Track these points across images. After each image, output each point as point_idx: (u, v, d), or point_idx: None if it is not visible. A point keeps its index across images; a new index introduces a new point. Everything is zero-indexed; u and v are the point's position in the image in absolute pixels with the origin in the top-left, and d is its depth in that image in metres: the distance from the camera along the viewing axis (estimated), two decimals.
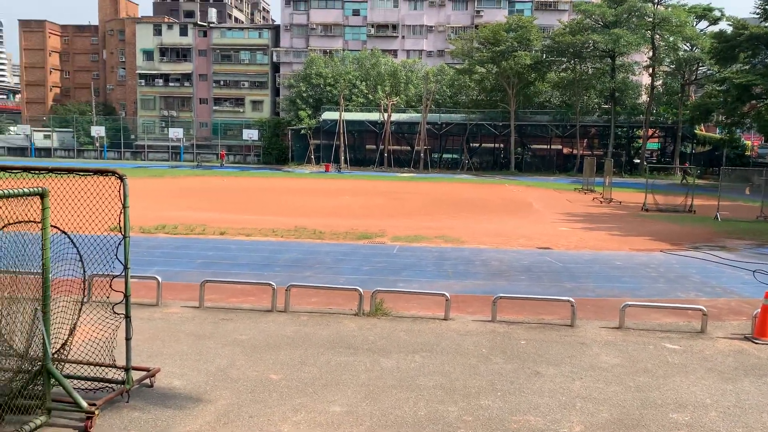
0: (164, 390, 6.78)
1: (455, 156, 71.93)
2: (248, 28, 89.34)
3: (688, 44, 62.17)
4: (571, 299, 10.04)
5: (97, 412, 5.80)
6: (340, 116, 64.89)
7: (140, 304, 9.82)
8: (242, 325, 9.36)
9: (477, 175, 59.86)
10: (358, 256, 15.80)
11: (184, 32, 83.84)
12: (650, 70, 64.37)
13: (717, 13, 61.83)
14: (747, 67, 52.58)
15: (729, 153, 65.65)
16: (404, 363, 7.86)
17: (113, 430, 5.83)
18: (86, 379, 6.52)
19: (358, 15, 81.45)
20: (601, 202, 33.93)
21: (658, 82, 65.92)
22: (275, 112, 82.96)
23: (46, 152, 79.97)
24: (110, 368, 6.61)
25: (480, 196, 36.47)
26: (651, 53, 63.36)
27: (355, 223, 21.96)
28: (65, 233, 6.27)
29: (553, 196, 38.02)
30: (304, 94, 71.60)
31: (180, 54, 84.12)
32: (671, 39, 61.33)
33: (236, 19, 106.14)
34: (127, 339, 6.44)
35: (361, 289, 10.21)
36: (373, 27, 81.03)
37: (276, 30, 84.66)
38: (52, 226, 5.92)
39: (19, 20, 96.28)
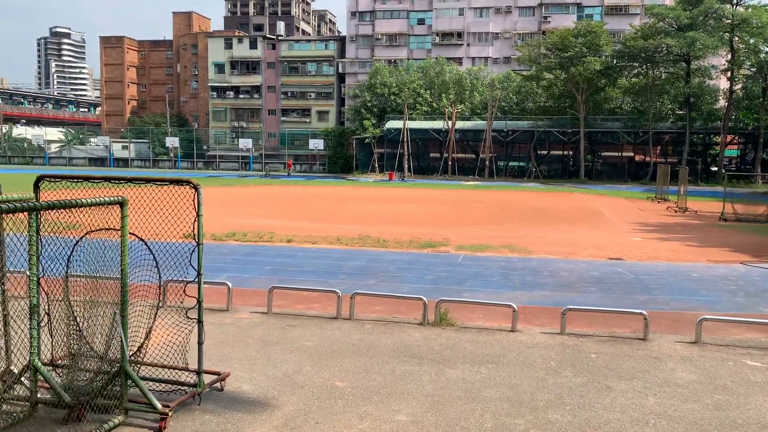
0: (234, 394, 6.94)
1: (522, 164, 70.91)
2: (315, 40, 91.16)
3: None
4: (643, 312, 9.68)
5: (170, 414, 6.00)
6: (404, 125, 65.14)
7: (211, 309, 10.10)
8: (308, 331, 9.49)
9: (544, 184, 58.76)
10: (422, 265, 15.77)
11: (253, 45, 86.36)
12: (729, 73, 61.57)
13: None
14: None
15: None
16: (470, 374, 7.77)
17: None
18: (160, 381, 6.75)
19: (423, 24, 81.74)
20: (675, 211, 32.66)
21: (738, 86, 62.97)
22: (340, 121, 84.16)
23: (124, 162, 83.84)
24: (182, 371, 6.83)
25: (548, 205, 35.77)
26: (729, 56, 60.65)
27: (418, 231, 21.95)
28: (142, 240, 6.54)
29: (625, 205, 36.87)
30: (369, 104, 72.32)
31: (250, 67, 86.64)
32: (752, 41, 58.55)
33: (303, 32, 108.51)
34: (200, 343, 6.64)
35: (425, 299, 10.17)
36: (437, 35, 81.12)
37: (342, 41, 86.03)
38: (129, 233, 6.18)
39: (100, 37, 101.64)
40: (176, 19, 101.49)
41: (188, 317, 6.69)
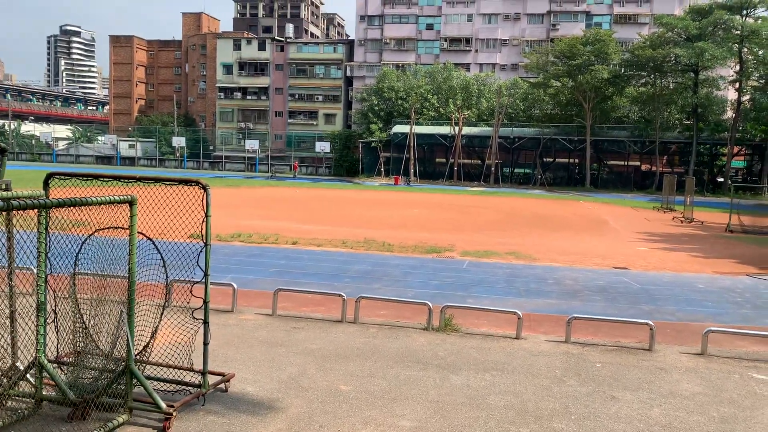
0: (238, 395, 6.93)
1: (527, 171, 70.84)
2: (323, 43, 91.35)
3: None
4: (649, 322, 9.64)
5: (175, 414, 5.99)
6: (411, 129, 65.18)
7: (216, 310, 10.10)
8: (313, 334, 9.48)
9: (550, 191, 58.67)
10: (427, 270, 15.75)
11: (262, 47, 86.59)
12: (737, 84, 61.44)
13: None
14: None
15: None
16: (474, 381, 7.74)
17: None
18: (165, 381, 6.75)
19: (432, 29, 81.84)
20: (681, 221, 32.56)
21: (746, 98, 62.79)
22: (347, 125, 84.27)
23: (131, 161, 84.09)
24: (187, 372, 6.83)
25: (553, 213, 35.70)
26: (738, 67, 60.52)
27: (423, 236, 21.93)
28: (150, 239, 6.54)
29: (631, 214, 36.78)
30: (376, 108, 72.43)
31: (258, 68, 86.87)
32: (761, 53, 58.43)
33: (312, 34, 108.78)
34: (205, 344, 6.64)
35: (430, 304, 10.15)
36: (446, 41, 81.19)
37: (350, 45, 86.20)
38: (138, 232, 6.19)
39: (110, 36, 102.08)
40: (186, 20, 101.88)
41: (194, 318, 6.69)
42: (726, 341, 9.87)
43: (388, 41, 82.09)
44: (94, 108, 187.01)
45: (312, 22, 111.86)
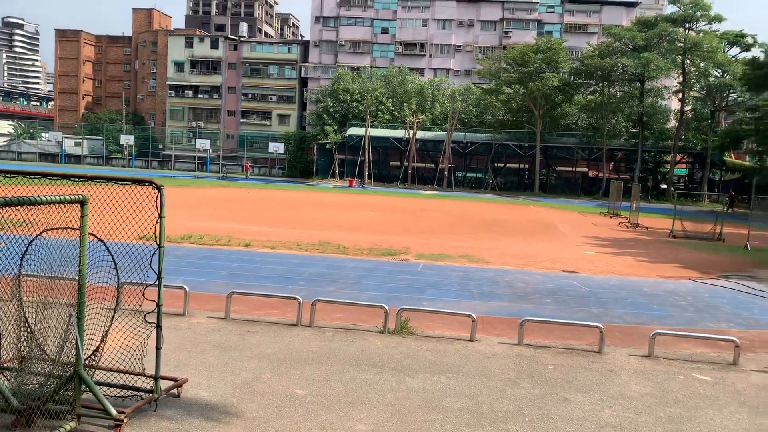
0: (191, 400, 6.79)
1: (479, 175, 71.85)
2: (278, 43, 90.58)
3: (719, 70, 61.56)
4: (599, 325, 9.88)
5: (125, 420, 5.82)
6: (366, 132, 65.26)
7: (167, 314, 9.85)
8: (267, 338, 9.37)
9: (501, 195, 59.60)
10: (382, 273, 15.77)
11: (215, 45, 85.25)
12: (680, 95, 63.84)
13: (749, 40, 61.30)
14: None
15: (759, 181, 64.52)
16: (430, 383, 7.78)
17: None
18: (115, 386, 6.56)
19: (387, 33, 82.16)
20: (627, 226, 33.53)
21: (688, 108, 65.29)
22: (301, 126, 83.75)
23: (76, 159, 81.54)
24: (139, 377, 6.64)
25: (504, 217, 36.28)
26: (681, 78, 62.88)
27: (378, 239, 21.96)
28: (101, 240, 6.35)
29: (579, 219, 37.68)
30: (331, 110, 72.27)
31: (210, 66, 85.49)
32: (702, 64, 60.85)
33: (266, 34, 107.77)
34: (158, 348, 6.48)
35: (386, 307, 10.16)
36: (401, 45, 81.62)
37: (305, 45, 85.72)
38: (88, 233, 6.00)
39: (56, 29, 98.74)
40: (136, 16, 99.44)
41: (146, 321, 6.52)
42: (671, 343, 10.20)
43: (343, 43, 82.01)
44: (38, 104, 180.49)
45: (266, 22, 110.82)
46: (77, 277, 5.94)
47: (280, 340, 9.30)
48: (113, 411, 5.80)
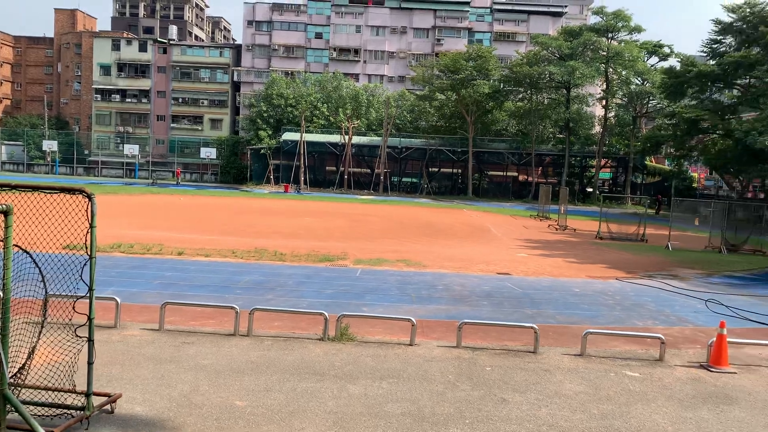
0: (126, 416, 6.55)
1: (414, 180, 72.56)
2: (209, 46, 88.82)
3: (639, 78, 64.61)
4: (534, 326, 10.16)
5: None
6: (301, 137, 64.84)
7: (97, 326, 9.48)
8: (204, 349, 9.15)
9: (435, 200, 60.40)
10: (321, 279, 15.69)
11: (143, 48, 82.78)
12: (603, 102, 66.54)
13: (667, 50, 64.62)
14: (695, 102, 54.83)
15: (677, 184, 68.01)
16: (371, 389, 7.80)
17: None
18: (44, 405, 6.25)
19: (321, 38, 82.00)
20: (556, 229, 34.61)
21: (611, 114, 68.12)
22: (234, 131, 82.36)
23: None
24: (69, 394, 6.36)
25: (439, 221, 36.77)
26: (604, 86, 65.56)
27: (316, 245, 21.83)
28: (27, 252, 6.06)
29: (510, 222, 38.61)
30: (265, 114, 71.42)
31: (138, 70, 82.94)
32: (624, 73, 63.69)
33: (197, 37, 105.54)
34: (90, 363, 6.22)
35: (326, 314, 10.11)
36: (335, 50, 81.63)
37: (237, 49, 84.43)
38: (13, 245, 5.71)
39: None
40: (59, 16, 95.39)
41: (77, 335, 6.26)
42: (602, 341, 10.59)
43: (276, 48, 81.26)
44: None
45: (197, 25, 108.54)
46: (1, 292, 5.64)
47: (218, 350, 9.11)
48: (41, 431, 5.53)
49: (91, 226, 6.04)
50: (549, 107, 66.85)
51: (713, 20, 53.47)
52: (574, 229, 33.84)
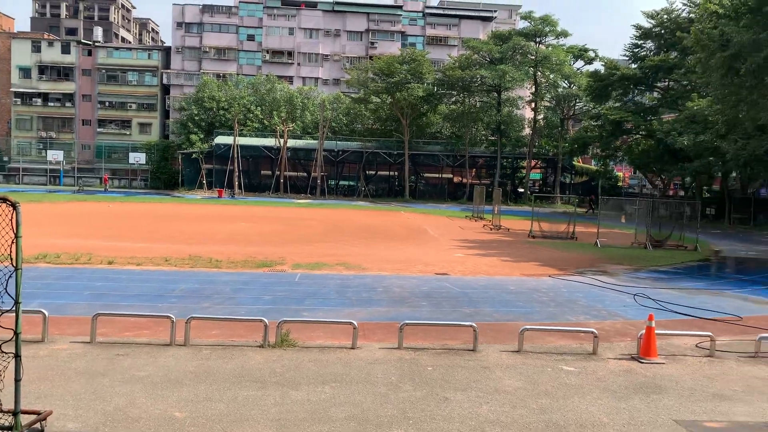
0: None
1: (352, 183, 72.58)
2: (137, 48, 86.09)
3: (566, 82, 66.90)
4: (473, 324, 10.33)
5: None
6: (235, 141, 63.72)
7: (24, 341, 9.03)
8: (140, 360, 8.86)
9: (373, 202, 60.58)
10: (259, 285, 15.47)
11: (66, 50, 79.36)
12: (532, 104, 68.48)
13: (591, 54, 67.20)
14: (619, 104, 57.18)
15: (604, 183, 70.70)
16: (314, 394, 7.74)
17: None
18: None
19: (253, 40, 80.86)
20: (491, 229, 35.33)
21: (540, 117, 70.18)
22: (165, 135, 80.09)
23: None
24: None
25: (377, 223, 36.90)
26: (533, 89, 67.47)
27: (253, 250, 21.51)
28: None
29: (446, 223, 39.16)
30: (196, 118, 69.84)
31: (61, 73, 79.44)
32: (551, 76, 65.79)
33: (123, 39, 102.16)
34: (17, 380, 5.92)
35: (266, 320, 9.97)
36: (268, 53, 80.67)
37: (167, 52, 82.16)
38: None
39: None
40: None
41: (2, 351, 5.95)
42: (538, 337, 10.88)
43: (207, 50, 79.58)
44: None
45: (123, 27, 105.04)
46: None
47: (154, 361, 8.84)
48: None
49: (17, 236, 5.76)
50: (481, 110, 68.21)
51: (634, 26, 56.10)
52: (508, 229, 34.64)
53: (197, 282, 15.53)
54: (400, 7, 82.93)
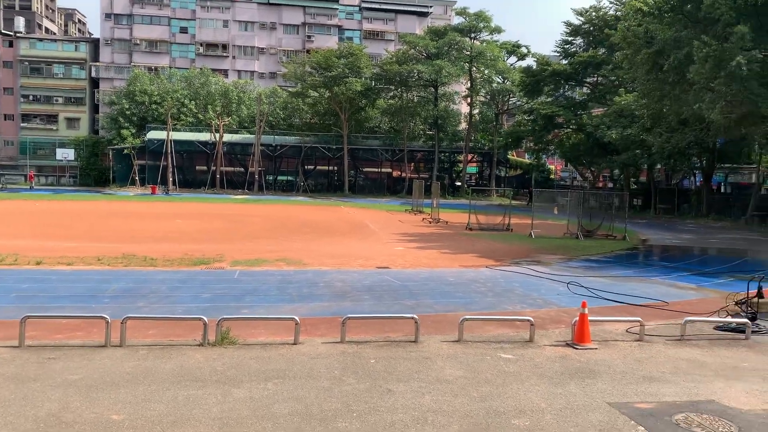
0: None
1: (290, 178, 71.97)
2: (63, 40, 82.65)
3: (500, 77, 68.30)
4: (414, 316, 10.45)
5: None
6: (168, 136, 62.08)
7: None
8: (73, 363, 8.55)
9: (312, 197, 60.27)
10: (197, 283, 15.17)
11: None
12: (468, 99, 69.61)
13: (524, 50, 68.84)
14: (550, 99, 58.85)
15: (537, 176, 72.68)
16: (257, 392, 7.67)
17: None
18: None
19: (186, 32, 78.96)
20: (429, 222, 35.77)
21: (476, 111, 71.44)
22: (94, 130, 77.28)
23: None
24: None
25: (317, 218, 36.74)
26: (469, 84, 68.57)
27: (190, 248, 21.05)
28: None
29: (386, 217, 39.38)
30: (127, 112, 67.67)
31: None
32: (486, 72, 67.04)
33: (48, 30, 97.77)
34: None
35: (205, 318, 9.79)
36: (201, 45, 78.95)
37: (95, 44, 79.25)
38: None
39: None
40: None
41: None
42: (477, 327, 11.11)
43: (138, 42, 77.15)
44: None
45: (47, 17, 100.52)
46: None
47: (88, 363, 8.55)
48: None
49: None
50: (419, 105, 68.84)
51: (565, 22, 57.76)
52: (446, 222, 35.14)
53: (132, 281, 15.08)
54: (336, 1, 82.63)
